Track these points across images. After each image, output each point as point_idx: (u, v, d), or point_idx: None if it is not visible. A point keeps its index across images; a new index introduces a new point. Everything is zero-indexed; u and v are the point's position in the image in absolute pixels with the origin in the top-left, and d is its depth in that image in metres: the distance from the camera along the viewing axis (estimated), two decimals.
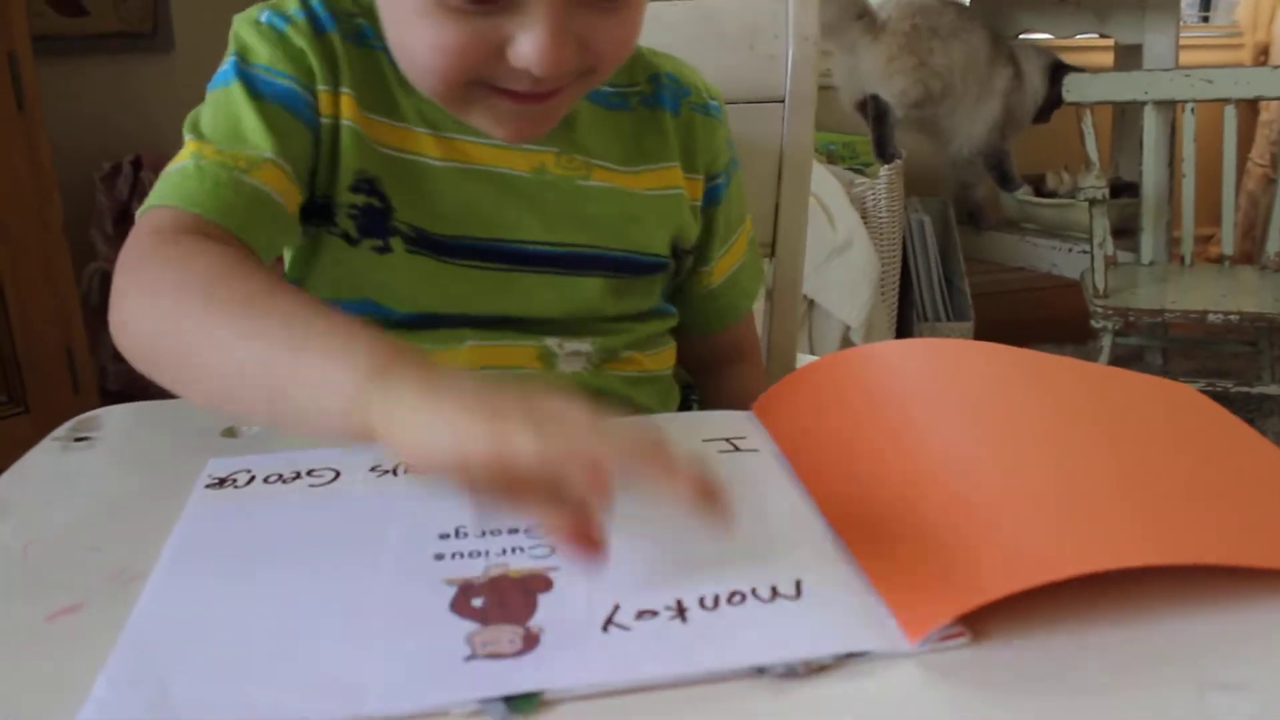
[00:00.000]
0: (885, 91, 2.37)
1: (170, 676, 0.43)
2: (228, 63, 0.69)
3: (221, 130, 0.66)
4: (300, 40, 0.69)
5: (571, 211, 0.74)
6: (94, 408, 2.00)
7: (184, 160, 0.64)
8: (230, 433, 0.77)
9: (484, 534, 0.54)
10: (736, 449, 0.65)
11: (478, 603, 0.47)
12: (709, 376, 0.87)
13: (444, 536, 0.54)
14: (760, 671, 0.43)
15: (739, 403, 0.74)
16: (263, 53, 0.68)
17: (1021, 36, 2.65)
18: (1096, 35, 2.61)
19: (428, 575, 0.50)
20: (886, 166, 2.23)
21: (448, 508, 0.53)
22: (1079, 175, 2.53)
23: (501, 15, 0.60)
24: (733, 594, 0.47)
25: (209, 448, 0.75)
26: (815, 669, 0.43)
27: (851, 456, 0.61)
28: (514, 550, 0.52)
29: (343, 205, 0.71)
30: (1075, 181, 2.64)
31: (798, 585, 0.48)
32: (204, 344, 0.52)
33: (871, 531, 0.52)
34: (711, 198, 0.80)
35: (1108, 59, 2.80)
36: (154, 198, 0.63)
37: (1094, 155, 2.15)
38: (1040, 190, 2.71)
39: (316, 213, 0.71)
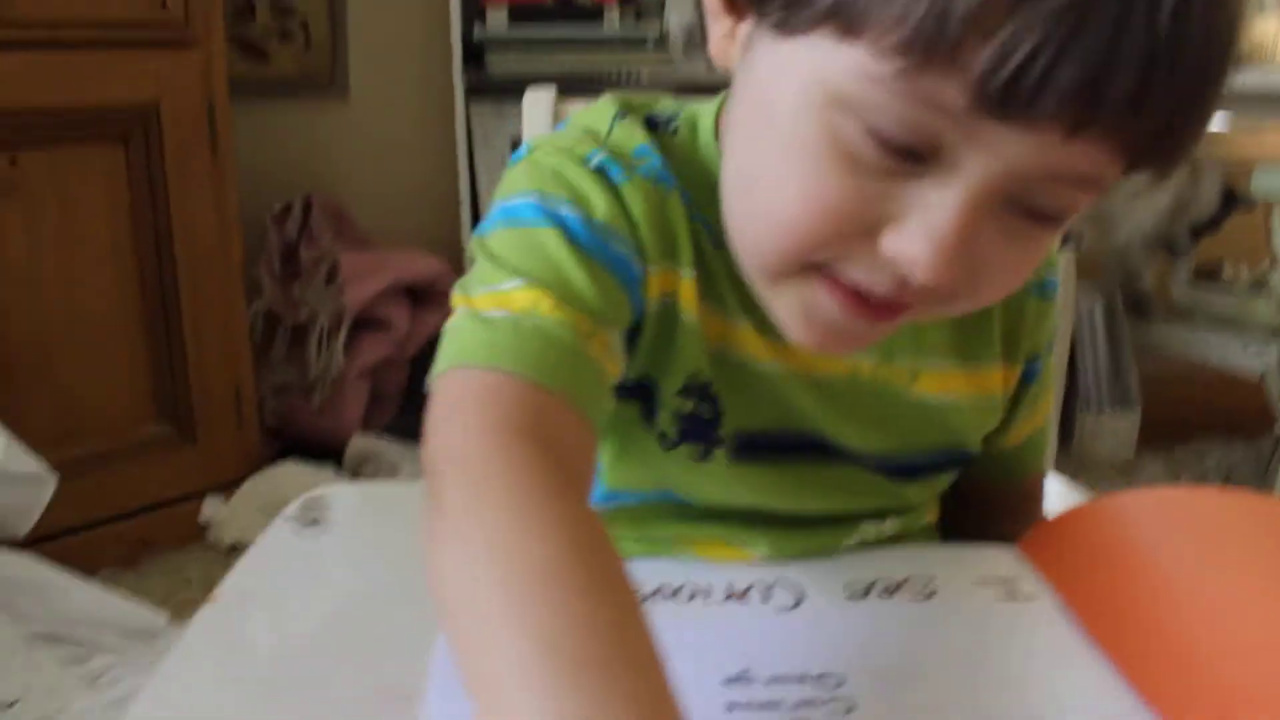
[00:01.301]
0: None
1: None
2: (526, 195, 0.55)
3: (545, 280, 0.53)
4: (640, 202, 0.56)
5: (885, 417, 0.65)
6: (254, 444, 2.05)
7: (513, 310, 0.52)
8: None
9: (771, 681, 0.51)
10: (1013, 596, 0.62)
11: None
12: (971, 511, 0.79)
13: (730, 681, 0.52)
14: None
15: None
16: (597, 206, 0.55)
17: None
18: None
19: None
20: (1062, 252, 2.17)
21: (735, 643, 0.51)
22: (1259, 270, 2.42)
23: (901, 183, 0.46)
24: None
25: None
26: None
27: (1152, 618, 0.57)
28: (807, 704, 0.50)
29: (667, 407, 0.61)
30: (1253, 274, 2.53)
31: None
32: (494, 636, 0.40)
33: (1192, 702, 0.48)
34: (1026, 380, 0.71)
35: None
36: (483, 350, 0.50)
37: None
38: (1215, 281, 2.60)
39: (627, 402, 0.61)
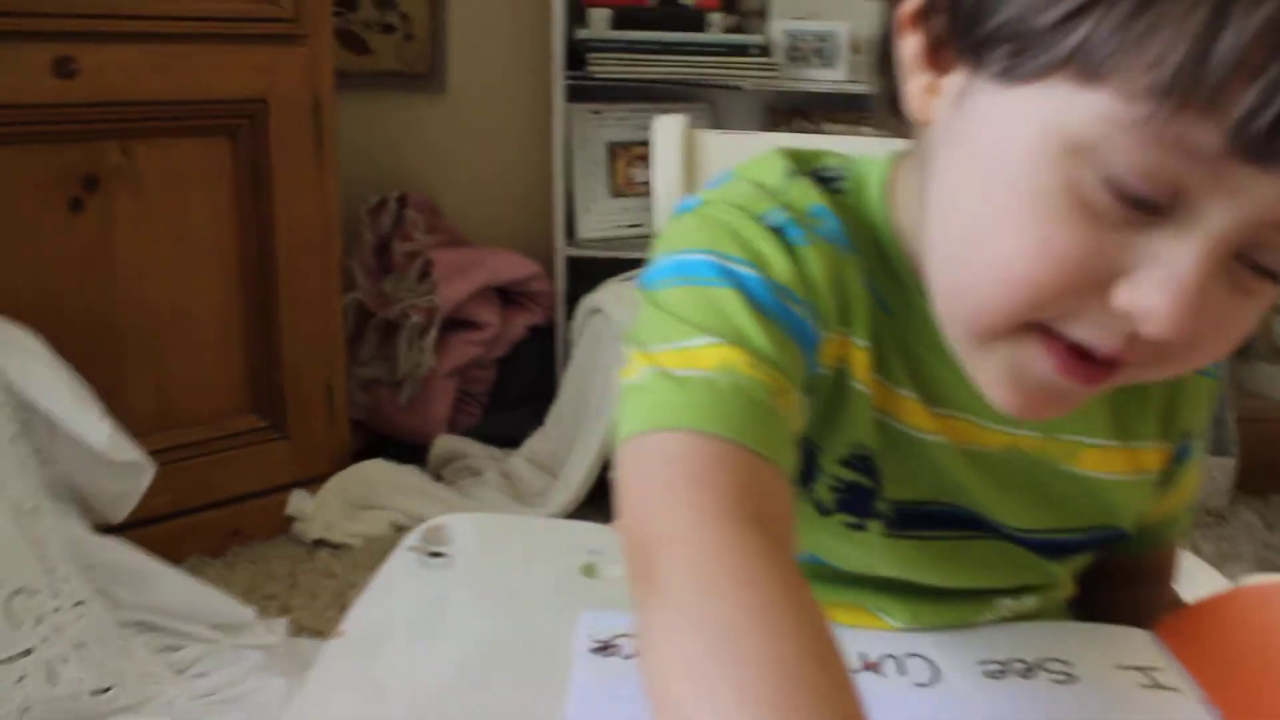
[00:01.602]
0: None
1: None
2: (702, 253, 0.54)
3: (733, 338, 0.51)
4: (819, 265, 0.55)
5: (1043, 494, 0.63)
6: (344, 439, 2.06)
7: (706, 368, 0.50)
8: (589, 571, 0.75)
9: None
10: (1157, 684, 0.60)
11: None
12: (1104, 585, 0.77)
13: None
14: None
15: (1134, 622, 0.67)
16: (776, 267, 0.53)
17: None
18: None
19: None
20: None
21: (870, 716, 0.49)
22: None
23: (1138, 233, 0.44)
24: None
25: (570, 584, 0.73)
26: None
27: None
28: None
29: (827, 475, 0.60)
30: None
31: None
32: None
33: None
34: (1180, 458, 0.68)
35: None
36: (682, 411, 0.48)
37: None
38: None
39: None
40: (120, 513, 1.55)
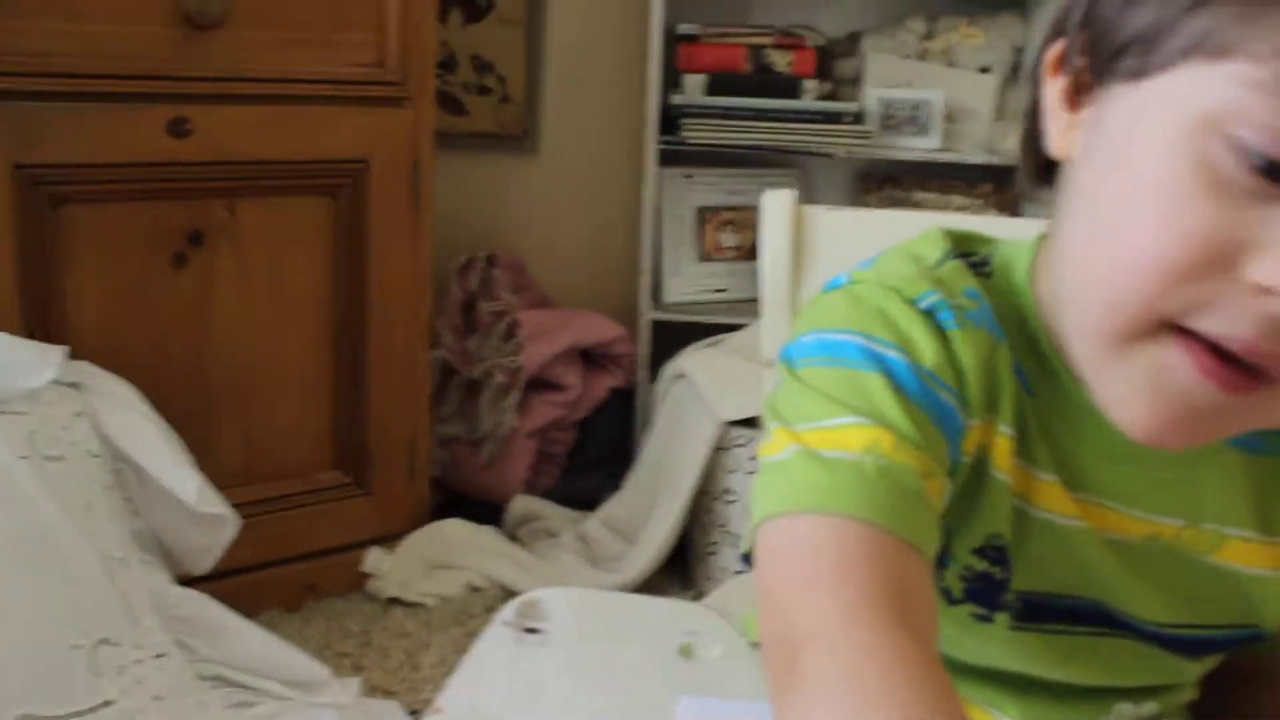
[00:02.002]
0: None
1: None
2: (850, 335, 0.53)
3: (878, 421, 0.51)
4: (969, 351, 0.54)
5: (1182, 587, 0.61)
6: (423, 497, 2.05)
7: (852, 449, 0.49)
8: (686, 651, 0.73)
9: None
10: None
11: None
12: (1231, 687, 0.74)
13: None
14: None
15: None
16: (925, 352, 0.53)
17: None
18: None
19: None
20: None
21: None
22: None
23: (1270, 207, 0.44)
24: None
25: (668, 664, 0.71)
26: None
27: None
28: None
29: (959, 563, 0.59)
30: None
31: None
32: None
33: None
34: None
35: None
36: (828, 494, 0.48)
37: None
38: None
39: None
40: (204, 565, 1.56)
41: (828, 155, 2.24)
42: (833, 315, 0.55)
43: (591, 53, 2.45)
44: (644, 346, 2.31)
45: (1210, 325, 0.46)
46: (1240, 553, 0.61)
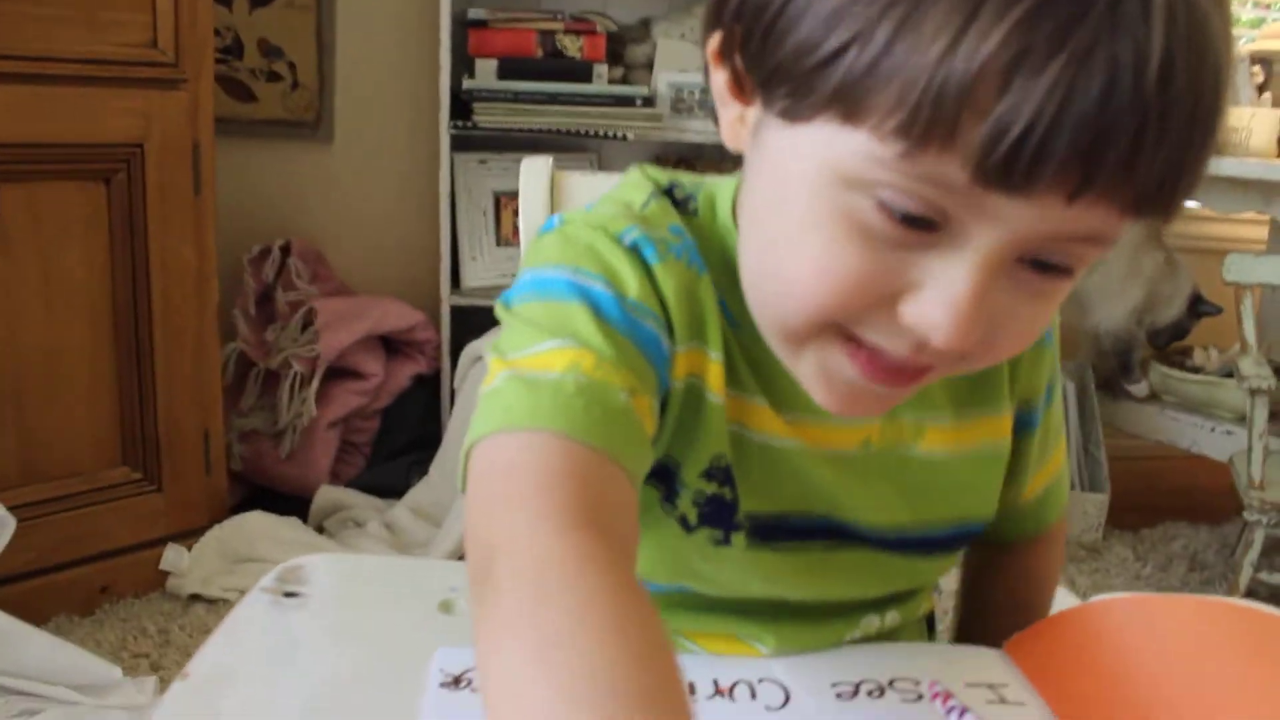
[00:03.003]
0: None
1: None
2: (558, 270, 0.56)
3: (582, 344, 0.53)
4: (671, 283, 0.57)
5: (900, 490, 0.65)
6: (221, 490, 2.01)
7: (555, 370, 0.51)
8: (447, 607, 0.74)
9: None
10: (1003, 700, 0.62)
11: None
12: (980, 575, 0.79)
13: None
14: None
15: (1005, 614, 0.70)
16: (629, 284, 0.55)
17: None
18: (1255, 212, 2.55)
19: None
20: None
21: None
22: (1229, 354, 2.45)
23: (915, 252, 0.47)
24: None
25: (428, 621, 0.73)
26: None
27: None
28: None
29: (689, 489, 0.61)
30: (1222, 358, 2.55)
31: None
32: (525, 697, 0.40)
33: None
34: (1023, 427, 0.70)
35: (1253, 232, 2.74)
36: (528, 412, 0.50)
37: (1252, 339, 2.08)
38: (1185, 365, 2.63)
39: (649, 484, 0.61)
40: None
41: (621, 138, 2.29)
42: (544, 254, 0.57)
43: (382, 38, 2.43)
44: (445, 332, 2.31)
45: (870, 336, 0.50)
46: (942, 439, 0.65)
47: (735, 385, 0.60)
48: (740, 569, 0.64)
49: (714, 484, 0.61)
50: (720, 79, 0.54)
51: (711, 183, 0.64)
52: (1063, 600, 0.84)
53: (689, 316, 0.57)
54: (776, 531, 0.64)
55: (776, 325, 0.54)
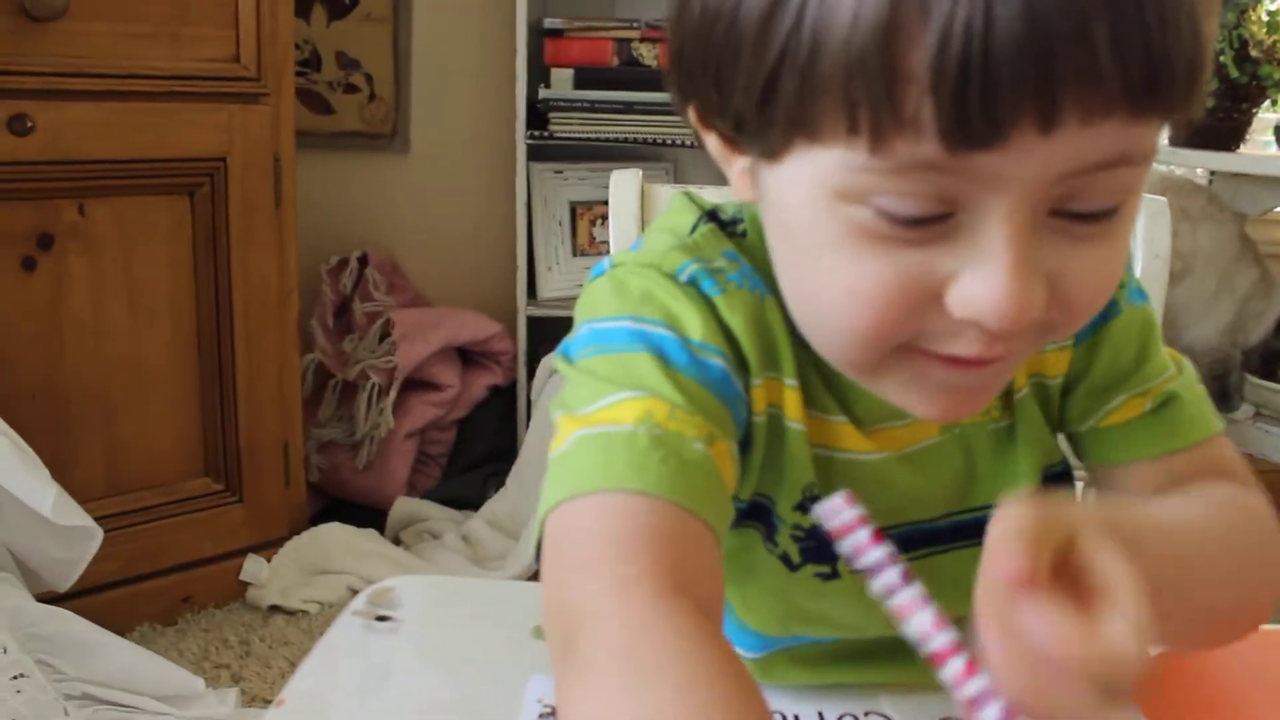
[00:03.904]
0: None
1: None
2: (618, 320, 0.53)
3: (649, 393, 0.50)
4: (737, 314, 0.54)
5: (971, 467, 0.61)
6: (300, 502, 2.02)
7: (626, 424, 0.48)
8: (539, 633, 0.73)
9: None
10: None
11: None
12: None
13: None
14: None
15: None
16: (693, 326, 0.52)
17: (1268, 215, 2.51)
18: None
19: None
20: None
21: None
22: None
23: (942, 244, 0.44)
24: None
25: (521, 646, 0.71)
26: None
27: None
28: None
29: (786, 524, 0.58)
30: None
31: None
32: None
33: None
34: (1084, 337, 0.61)
35: None
36: (601, 473, 0.47)
37: None
38: (1278, 376, 2.54)
39: (745, 526, 0.59)
40: (66, 581, 1.50)
41: (698, 147, 2.26)
42: (599, 304, 0.55)
43: (458, 49, 2.44)
44: (522, 343, 2.31)
45: (938, 347, 0.47)
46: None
47: (814, 407, 0.57)
48: (852, 603, 0.60)
49: (809, 516, 0.58)
50: (712, 142, 0.52)
51: (754, 204, 0.62)
52: None
53: (760, 345, 0.55)
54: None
55: (845, 364, 0.51)
